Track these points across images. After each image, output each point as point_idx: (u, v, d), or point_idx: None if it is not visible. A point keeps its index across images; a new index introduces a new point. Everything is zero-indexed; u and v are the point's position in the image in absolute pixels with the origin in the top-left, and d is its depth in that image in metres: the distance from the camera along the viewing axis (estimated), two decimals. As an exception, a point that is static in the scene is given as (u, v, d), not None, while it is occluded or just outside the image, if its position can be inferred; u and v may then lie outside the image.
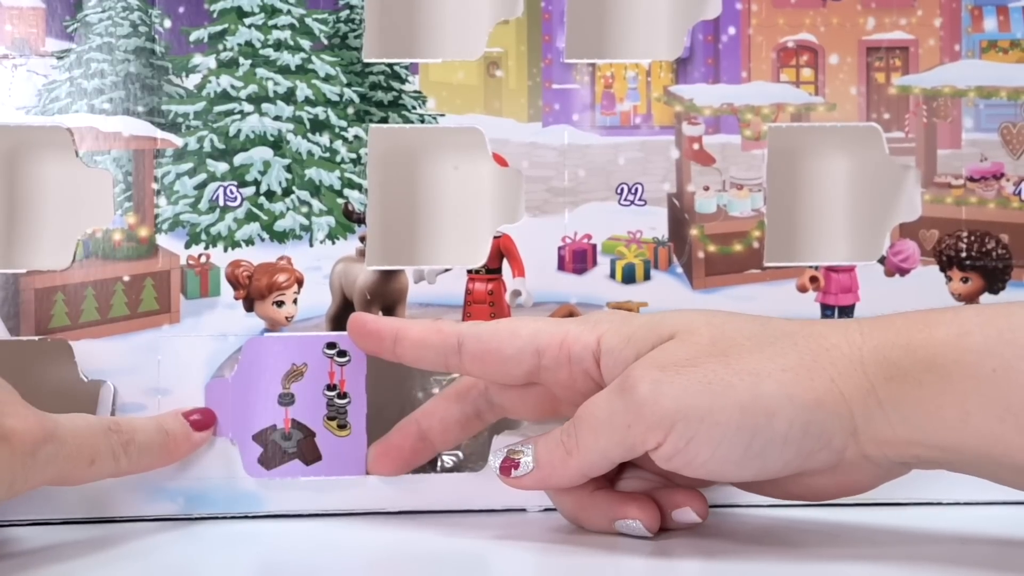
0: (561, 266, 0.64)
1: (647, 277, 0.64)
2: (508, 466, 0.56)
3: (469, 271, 0.63)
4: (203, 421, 0.61)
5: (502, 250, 0.64)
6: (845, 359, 0.51)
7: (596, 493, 0.56)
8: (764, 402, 0.51)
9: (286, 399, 0.61)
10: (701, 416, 0.51)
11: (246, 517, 0.61)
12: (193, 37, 0.62)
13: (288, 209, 0.62)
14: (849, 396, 0.51)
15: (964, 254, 0.64)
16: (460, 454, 0.67)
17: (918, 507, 0.63)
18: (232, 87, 0.62)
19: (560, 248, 0.64)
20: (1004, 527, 0.60)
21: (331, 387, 0.61)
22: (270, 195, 0.62)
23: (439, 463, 0.67)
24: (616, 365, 0.54)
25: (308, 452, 0.61)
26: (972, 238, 0.65)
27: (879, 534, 0.59)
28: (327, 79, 0.63)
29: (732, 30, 0.65)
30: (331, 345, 0.62)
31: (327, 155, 0.63)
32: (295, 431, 0.61)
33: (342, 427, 0.62)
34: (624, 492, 0.57)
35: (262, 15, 0.62)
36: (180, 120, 0.62)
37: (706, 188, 0.64)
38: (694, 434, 0.51)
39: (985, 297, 0.65)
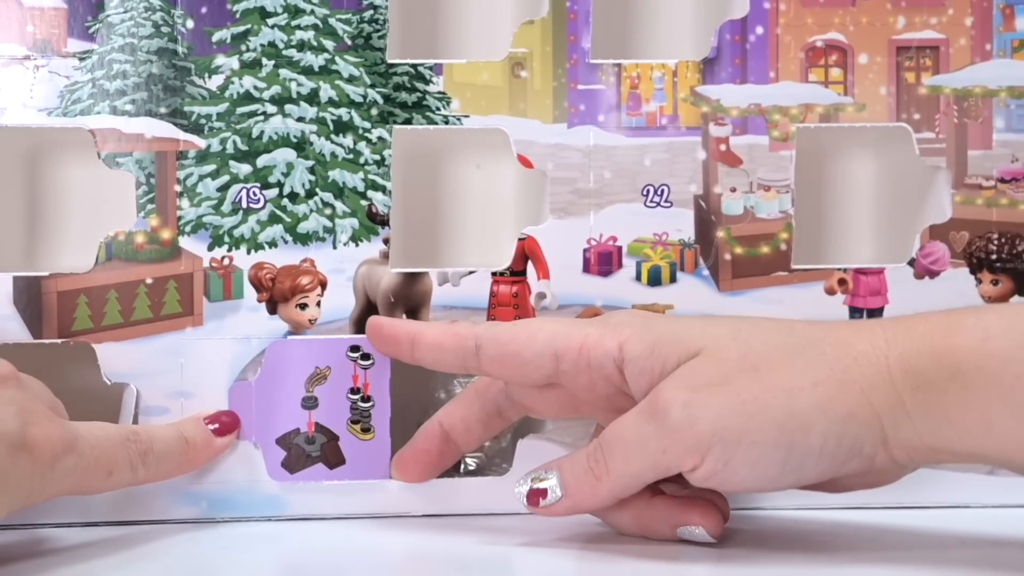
0: (586, 268, 0.63)
1: (673, 280, 0.64)
2: (536, 496, 0.56)
3: (493, 273, 0.63)
4: (226, 426, 0.60)
5: (527, 252, 0.63)
6: (873, 369, 0.51)
7: (654, 501, 0.56)
8: (800, 419, 0.51)
9: (309, 402, 0.61)
10: (738, 437, 0.51)
11: (269, 520, 0.61)
12: (216, 38, 0.62)
13: (311, 211, 0.62)
14: (879, 407, 0.50)
15: (994, 256, 0.64)
16: (483, 456, 0.67)
17: (927, 511, 0.63)
18: (255, 88, 0.62)
19: (585, 250, 0.63)
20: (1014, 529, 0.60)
21: (355, 390, 0.61)
22: (293, 197, 0.62)
23: (462, 466, 0.66)
24: (641, 374, 0.54)
25: (332, 456, 0.61)
26: (1003, 240, 0.64)
27: (887, 535, 0.59)
28: (351, 80, 0.62)
29: (760, 29, 0.64)
30: (355, 348, 0.61)
31: (351, 157, 0.62)
32: (318, 435, 0.61)
33: (366, 431, 0.61)
34: (683, 497, 0.56)
35: (285, 15, 0.62)
36: (203, 121, 0.61)
37: (733, 190, 0.64)
38: (732, 455, 0.51)
39: (1016, 299, 0.64)
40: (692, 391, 0.51)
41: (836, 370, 0.51)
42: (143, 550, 0.57)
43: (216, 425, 0.60)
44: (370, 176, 0.63)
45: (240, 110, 0.62)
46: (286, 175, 0.62)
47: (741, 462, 0.51)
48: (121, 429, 0.57)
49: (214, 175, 0.62)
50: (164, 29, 0.61)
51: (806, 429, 0.51)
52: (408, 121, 0.63)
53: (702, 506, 0.55)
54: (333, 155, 0.62)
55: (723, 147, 0.64)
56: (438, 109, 0.63)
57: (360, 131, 0.63)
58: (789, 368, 0.51)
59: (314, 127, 0.62)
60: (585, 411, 0.57)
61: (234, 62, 0.62)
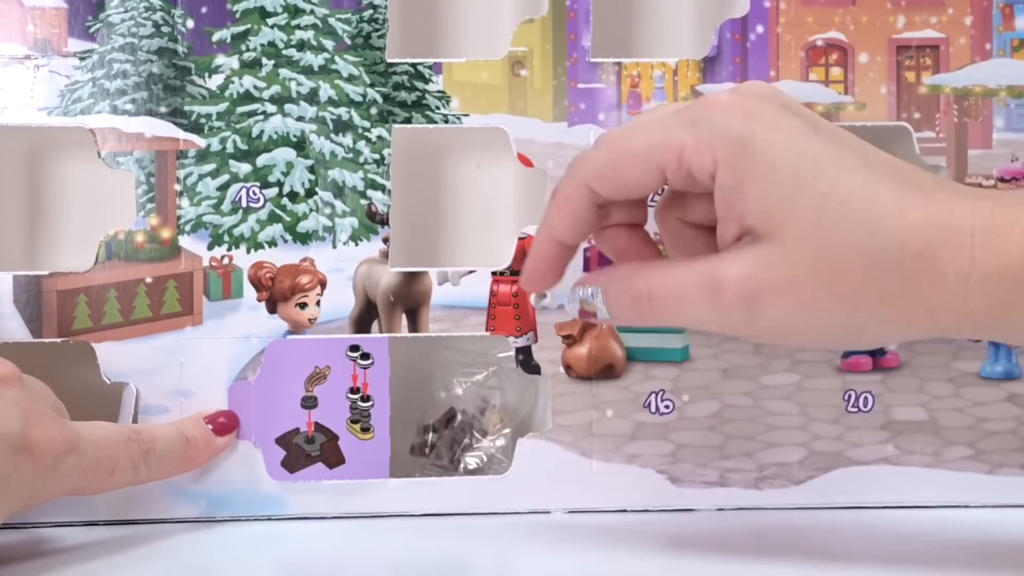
0: (587, 267, 0.63)
1: (673, 278, 0.64)
2: (586, 315, 0.53)
3: (493, 273, 0.63)
4: (226, 425, 0.60)
5: (527, 251, 0.63)
6: (949, 292, 0.48)
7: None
8: (857, 324, 0.49)
9: (309, 402, 0.61)
10: (792, 332, 0.50)
11: (269, 519, 0.61)
12: (216, 37, 0.62)
13: (311, 210, 0.62)
14: (943, 323, 0.49)
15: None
16: (484, 456, 0.67)
17: (926, 511, 0.63)
18: (255, 88, 0.62)
19: (586, 249, 0.63)
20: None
21: (354, 390, 0.61)
22: (293, 196, 0.62)
23: (462, 465, 0.66)
24: (723, 202, 0.50)
25: (331, 455, 0.61)
26: (1003, 239, 0.64)
27: (886, 534, 0.59)
28: (350, 79, 0.62)
29: (760, 28, 0.64)
30: (354, 348, 0.61)
31: (350, 156, 0.62)
32: (318, 434, 0.61)
33: (365, 430, 0.61)
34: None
35: (285, 15, 0.62)
36: (203, 121, 0.61)
37: (733, 189, 0.64)
38: (784, 341, 0.51)
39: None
40: (759, 288, 0.49)
41: (908, 288, 0.48)
42: (144, 550, 0.57)
43: (220, 421, 0.60)
44: (370, 175, 0.63)
45: (240, 109, 0.62)
46: (286, 174, 0.62)
47: (787, 341, 0.51)
48: (123, 429, 0.57)
49: (214, 174, 0.62)
50: (164, 29, 0.61)
51: (860, 332, 0.49)
52: (408, 120, 0.63)
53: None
54: (333, 154, 0.62)
55: (723, 146, 0.64)
56: (438, 108, 0.63)
57: (360, 130, 0.63)
58: (862, 276, 0.48)
59: (314, 126, 0.62)
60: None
61: (234, 62, 0.62)
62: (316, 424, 0.61)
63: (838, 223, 0.48)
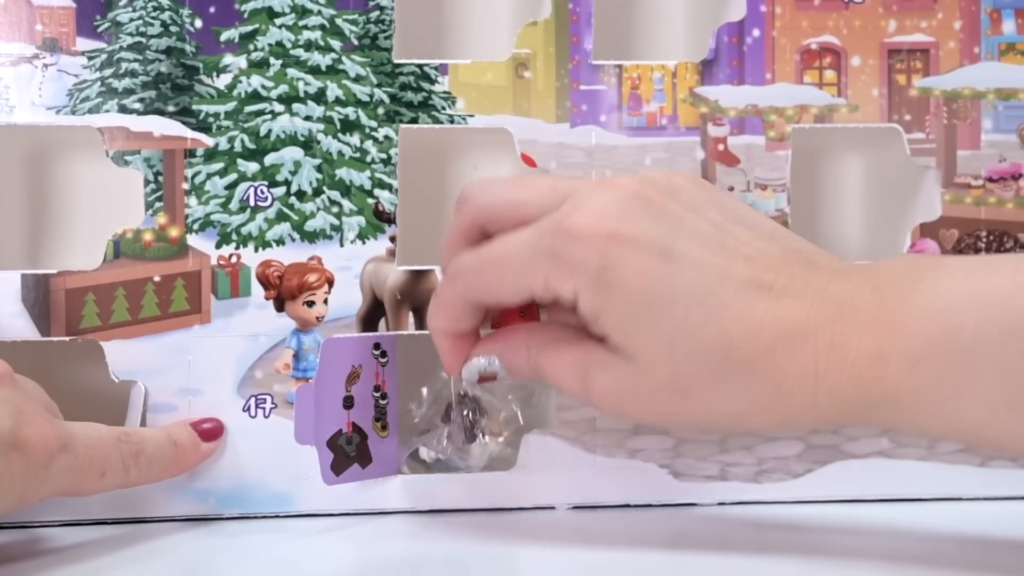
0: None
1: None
2: (485, 380, 0.57)
3: (498, 271, 0.63)
4: (211, 431, 0.60)
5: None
6: (796, 408, 0.51)
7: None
8: (719, 425, 0.56)
9: (348, 402, 0.61)
10: (665, 425, 0.59)
11: (276, 516, 0.61)
12: (224, 37, 0.62)
13: (319, 209, 0.62)
14: (802, 422, 0.52)
15: (983, 254, 0.65)
16: (498, 426, 0.66)
17: (919, 503, 0.64)
18: (263, 87, 0.62)
19: None
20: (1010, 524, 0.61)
21: (377, 388, 0.62)
22: (301, 195, 0.62)
23: (481, 436, 0.66)
24: (590, 323, 0.53)
25: (363, 455, 0.61)
26: (991, 238, 0.65)
27: (878, 527, 0.60)
28: (357, 79, 0.63)
29: (756, 32, 0.65)
30: (377, 346, 0.62)
31: (357, 155, 0.63)
32: (355, 435, 0.61)
33: (384, 428, 0.62)
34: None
35: (293, 15, 0.62)
36: (211, 120, 0.62)
37: (731, 188, 0.65)
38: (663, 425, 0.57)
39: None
40: (621, 395, 0.53)
41: (757, 405, 0.51)
42: (149, 547, 0.57)
43: (206, 427, 0.60)
44: (377, 174, 0.63)
45: (248, 109, 0.62)
46: (293, 173, 0.62)
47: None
48: (113, 430, 0.56)
49: (222, 173, 0.62)
50: (172, 28, 0.61)
51: (728, 428, 0.57)
52: (414, 120, 0.63)
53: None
54: (340, 153, 0.63)
55: (721, 147, 0.65)
56: (443, 108, 0.63)
57: (367, 130, 0.63)
58: (716, 394, 0.51)
59: (321, 126, 0.62)
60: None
61: (242, 61, 0.62)
62: (353, 425, 0.61)
63: (691, 352, 0.51)
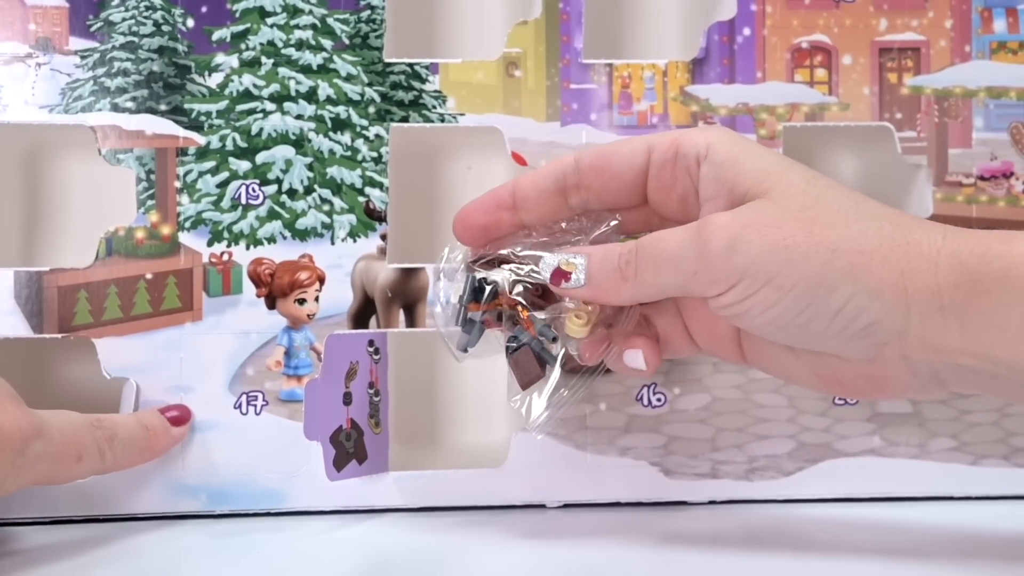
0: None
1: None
2: (559, 277, 0.54)
3: (490, 269, 0.63)
4: (179, 417, 0.61)
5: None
6: (920, 257, 0.50)
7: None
8: (830, 278, 0.50)
9: (347, 399, 0.62)
10: (768, 278, 0.50)
11: (268, 514, 0.61)
12: (216, 36, 0.62)
13: (310, 207, 0.63)
14: (912, 294, 0.50)
15: (975, 252, 0.65)
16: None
17: (912, 502, 0.64)
18: (254, 86, 0.62)
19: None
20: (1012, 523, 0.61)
21: (371, 385, 0.62)
22: (292, 193, 0.63)
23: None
24: (712, 180, 0.53)
25: (360, 451, 0.62)
26: (983, 236, 0.65)
27: (872, 525, 0.60)
28: (348, 78, 0.63)
29: (747, 31, 0.65)
30: (371, 343, 0.62)
31: (348, 154, 0.63)
32: (353, 431, 0.62)
33: (377, 424, 0.62)
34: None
35: (284, 15, 0.63)
36: (203, 119, 0.62)
37: (722, 187, 0.65)
38: (755, 292, 0.51)
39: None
40: (743, 227, 0.51)
41: (885, 246, 0.50)
42: (141, 543, 0.57)
43: (174, 413, 0.61)
44: (367, 173, 0.63)
45: (239, 107, 0.62)
46: (285, 172, 0.63)
47: (760, 300, 0.51)
48: (86, 417, 0.57)
49: (214, 171, 0.62)
50: (165, 28, 0.62)
51: (831, 289, 0.50)
52: (405, 119, 0.63)
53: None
54: (331, 152, 0.63)
55: (712, 145, 0.65)
56: (434, 107, 0.64)
57: (358, 128, 0.63)
58: (842, 230, 0.50)
59: (312, 124, 0.63)
60: (656, 227, 0.56)
61: (234, 60, 0.62)
62: (352, 421, 0.62)
63: (827, 187, 0.52)
